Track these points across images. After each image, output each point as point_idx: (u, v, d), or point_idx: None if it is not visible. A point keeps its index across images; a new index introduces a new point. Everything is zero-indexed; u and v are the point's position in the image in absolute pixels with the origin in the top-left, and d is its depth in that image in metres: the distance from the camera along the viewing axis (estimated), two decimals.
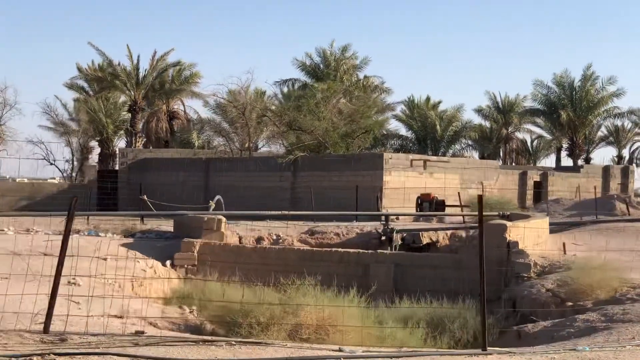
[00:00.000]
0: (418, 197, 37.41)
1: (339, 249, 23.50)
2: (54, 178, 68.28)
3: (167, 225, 31.25)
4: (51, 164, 64.99)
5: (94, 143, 74.81)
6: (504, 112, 74.55)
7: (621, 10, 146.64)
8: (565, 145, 68.29)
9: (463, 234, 32.54)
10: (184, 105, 70.95)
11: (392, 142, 65.90)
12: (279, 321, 12.81)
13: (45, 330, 10.41)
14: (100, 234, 26.83)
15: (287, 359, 9.20)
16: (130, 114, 61.68)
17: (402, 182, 43.12)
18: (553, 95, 63.89)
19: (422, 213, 35.07)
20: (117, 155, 59.07)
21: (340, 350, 9.89)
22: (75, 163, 63.59)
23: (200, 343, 10.02)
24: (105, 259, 20.66)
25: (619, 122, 73.07)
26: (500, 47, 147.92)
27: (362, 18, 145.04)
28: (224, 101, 59.20)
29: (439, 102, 74.16)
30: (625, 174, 56.26)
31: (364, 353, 9.68)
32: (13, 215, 31.21)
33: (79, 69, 68.71)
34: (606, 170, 55.48)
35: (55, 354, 8.93)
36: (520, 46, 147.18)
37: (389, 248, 28.74)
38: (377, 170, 42.98)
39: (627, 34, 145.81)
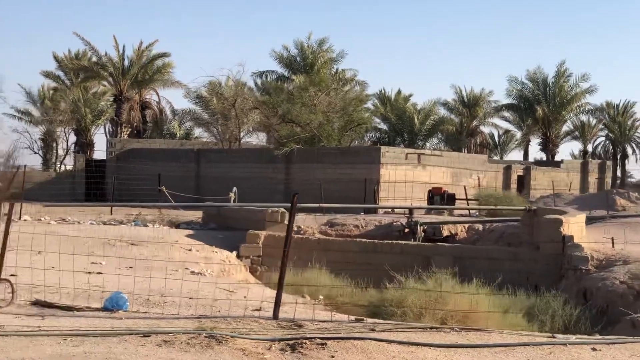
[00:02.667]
0: (429, 191, 38.46)
1: (400, 242, 24.35)
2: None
3: (191, 216, 31.87)
4: (35, 152, 64.77)
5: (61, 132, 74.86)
6: (469, 106, 75.91)
7: (593, 6, 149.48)
8: (538, 140, 69.96)
9: (480, 227, 33.66)
10: (158, 96, 71.06)
11: (370, 134, 66.85)
12: (432, 308, 13.65)
13: (275, 316, 11.16)
14: (147, 224, 27.32)
15: (516, 344, 10.05)
16: (114, 104, 61.61)
17: (397, 175, 44.11)
18: (527, 91, 65.41)
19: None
20: (106, 145, 59.17)
21: (553, 337, 10.79)
22: (59, 152, 63.40)
23: (429, 329, 10.85)
24: (190, 250, 21.32)
25: (584, 118, 75.05)
26: (469, 41, 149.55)
27: (337, 10, 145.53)
28: (207, 94, 59.65)
29: (410, 95, 75.39)
30: (602, 169, 58.08)
31: (577, 340, 10.59)
32: (74, 206, 31.30)
33: (56, 58, 68.53)
34: (584, 165, 57.20)
35: (322, 338, 9.70)
36: (490, 41, 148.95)
37: (412, 240, 29.68)
38: (373, 164, 43.85)
39: (596, 30, 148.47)
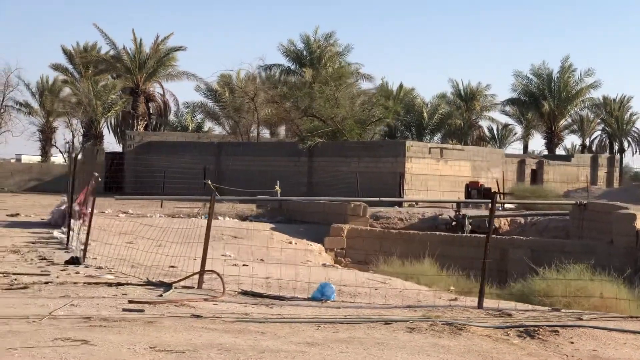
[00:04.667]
0: (467, 185, 39.39)
1: (479, 235, 25.25)
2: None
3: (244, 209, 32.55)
4: (52, 145, 65.03)
5: (57, 123, 75.10)
6: (466, 99, 76.98)
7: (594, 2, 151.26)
8: (538, 134, 71.21)
9: (522, 220, 34.67)
10: (162, 88, 71.51)
11: (379, 128, 67.62)
12: (581, 295, 14.57)
13: (480, 306, 12.05)
14: (219, 217, 28.03)
15: None
16: (128, 97, 62.09)
17: (421, 169, 45.08)
18: (533, 86, 66.56)
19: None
20: (124, 138, 59.69)
21: None
22: (76, 144, 63.71)
23: (629, 318, 11.79)
24: (290, 242, 22.14)
25: (583, 113, 76.35)
26: (470, 36, 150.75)
27: (333, 4, 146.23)
28: (219, 87, 60.32)
29: (412, 89, 76.30)
30: (612, 163, 59.37)
31: None
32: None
33: (64, 51, 68.82)
34: (595, 159, 58.43)
35: (550, 326, 10.59)
36: (491, 35, 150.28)
37: (460, 233, 30.63)
38: (398, 157, 44.74)
39: (599, 25, 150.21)
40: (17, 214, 27.32)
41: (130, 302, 11.56)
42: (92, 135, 65.95)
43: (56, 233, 19.97)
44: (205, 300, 12.00)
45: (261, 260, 17.75)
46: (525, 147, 75.28)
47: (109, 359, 8.40)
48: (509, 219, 34.70)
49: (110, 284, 13.12)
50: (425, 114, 65.71)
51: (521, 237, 25.09)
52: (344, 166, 45.16)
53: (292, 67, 65.79)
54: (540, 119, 68.56)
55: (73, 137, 62.14)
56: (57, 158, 77.59)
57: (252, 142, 52.33)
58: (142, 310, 10.99)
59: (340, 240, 24.36)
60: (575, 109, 69.31)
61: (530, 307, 12.49)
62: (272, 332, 10.04)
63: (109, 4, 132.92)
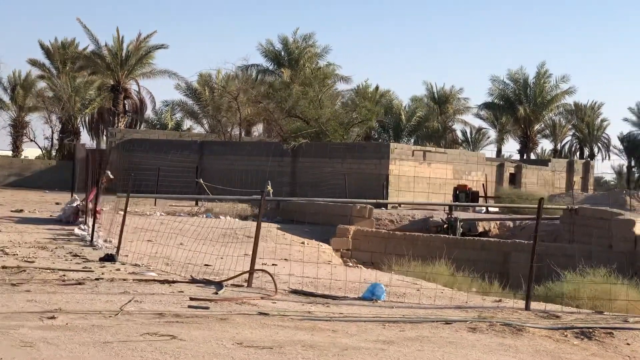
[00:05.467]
0: (455, 188, 39.97)
1: (482, 238, 25.77)
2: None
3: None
4: (31, 140, 64.80)
5: (28, 118, 74.74)
6: (439, 102, 77.76)
7: (571, 9, 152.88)
8: (512, 138, 72.15)
9: (511, 224, 35.30)
10: (138, 86, 71.47)
11: (361, 130, 68.06)
12: (606, 299, 15.11)
13: (527, 307, 12.51)
14: (220, 216, 28.32)
15: None
16: (105, 93, 62.04)
17: (404, 171, 45.64)
18: (509, 91, 67.44)
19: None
20: (98, 135, 59.74)
21: None
22: (55, 140, 63.54)
23: None
24: (303, 243, 22.51)
25: (556, 118, 77.41)
26: (444, 39, 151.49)
27: (321, 6, 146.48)
28: (199, 85, 60.51)
29: (387, 91, 76.91)
30: (587, 168, 60.33)
31: None
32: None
33: (42, 46, 68.59)
34: (570, 165, 59.35)
35: (604, 328, 11.09)
36: (468, 40, 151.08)
37: (451, 235, 31.18)
38: (382, 159, 45.24)
39: (572, 31, 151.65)
40: (21, 210, 27.40)
41: (191, 299, 11.86)
42: (69, 131, 65.79)
43: (77, 230, 20.14)
44: (262, 298, 12.33)
45: (285, 259, 18.08)
46: (499, 151, 76.21)
47: (204, 353, 8.71)
48: (498, 222, 35.24)
49: (161, 282, 13.39)
50: (403, 117, 66.25)
51: (523, 241, 25.57)
52: (327, 167, 45.55)
53: (270, 68, 66.06)
54: (515, 124, 69.39)
55: (52, 133, 61.87)
56: (29, 152, 77.15)
57: (235, 141, 52.56)
58: (207, 308, 11.31)
59: (347, 241, 24.77)
60: (550, 114, 70.24)
61: (575, 309, 12.97)
62: (342, 330, 10.39)
63: (89, 2, 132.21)
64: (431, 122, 68.97)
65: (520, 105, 65.15)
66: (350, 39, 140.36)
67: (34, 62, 68.17)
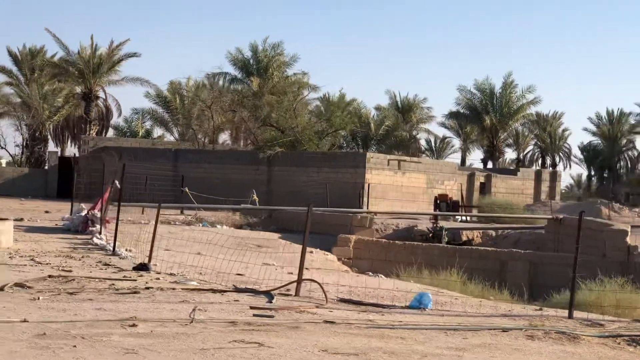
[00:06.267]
0: (436, 198, 40.61)
1: (479, 247, 26.39)
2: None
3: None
4: (2, 147, 64.42)
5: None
6: (402, 111, 78.56)
7: (536, 20, 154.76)
8: (478, 148, 73.16)
9: (493, 232, 36.01)
10: (105, 93, 71.34)
11: (333, 139, 68.57)
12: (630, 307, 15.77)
13: (570, 316, 13.08)
14: (217, 225, 28.65)
15: None
16: (75, 101, 61.93)
17: (380, 180, 46.29)
18: (476, 100, 68.42)
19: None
20: (62, 142, 59.45)
21: None
22: (26, 148, 63.23)
23: None
24: (311, 252, 22.94)
25: (519, 127, 78.62)
26: (409, 49, 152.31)
27: (288, 16, 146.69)
28: (169, 94, 60.71)
29: (353, 100, 77.49)
30: (554, 178, 61.49)
31: None
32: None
33: (10, 53, 68.30)
34: (538, 174, 60.46)
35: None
36: (433, 50, 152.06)
37: (436, 243, 31.76)
38: (358, 169, 45.85)
39: (535, 42, 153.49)
40: (21, 219, 27.48)
41: (251, 307, 12.25)
42: (39, 139, 65.54)
43: (96, 240, 20.38)
44: (317, 307, 12.75)
45: (306, 269, 18.46)
46: (463, 160, 77.20)
47: None
48: (480, 231, 35.89)
49: (212, 291, 13.75)
50: (372, 125, 66.90)
51: (520, 250, 26.23)
52: (303, 176, 46.03)
53: (239, 76, 66.34)
54: (481, 133, 70.41)
55: (23, 140, 61.59)
56: None
57: (210, 149, 52.80)
58: (272, 316, 11.71)
59: (348, 250, 25.24)
60: (516, 124, 71.40)
61: (615, 318, 13.55)
62: (410, 337, 10.86)
63: (59, 9, 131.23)
64: (399, 132, 69.60)
65: (486, 115, 66.11)
66: (314, 47, 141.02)
67: (1, 69, 67.75)
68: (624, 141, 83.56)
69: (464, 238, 34.76)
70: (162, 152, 51.73)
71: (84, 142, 54.32)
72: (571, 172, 69.05)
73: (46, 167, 57.98)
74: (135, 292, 13.12)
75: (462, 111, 69.58)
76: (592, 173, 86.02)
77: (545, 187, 59.94)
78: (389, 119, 68.35)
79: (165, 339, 9.74)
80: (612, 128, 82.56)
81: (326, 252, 23.64)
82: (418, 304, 13.12)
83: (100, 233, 21.09)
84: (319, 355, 9.43)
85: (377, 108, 78.40)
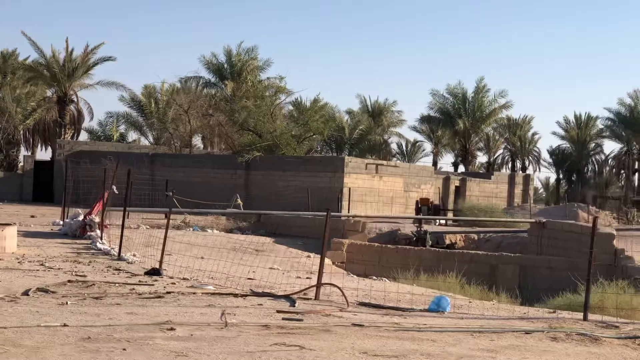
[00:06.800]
0: (417, 202, 41.03)
1: (470, 251, 26.82)
2: None
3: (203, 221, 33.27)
4: None
5: None
6: (373, 115, 79.11)
7: (507, 26, 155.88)
8: (450, 151, 73.82)
9: (475, 236, 36.51)
10: (76, 97, 71.14)
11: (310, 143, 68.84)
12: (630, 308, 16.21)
13: (585, 318, 13.46)
14: (207, 229, 28.84)
15: None
16: (48, 104, 61.75)
17: (358, 184, 46.67)
18: (449, 105, 69.07)
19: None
20: (33, 146, 59.17)
21: None
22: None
23: None
24: (309, 256, 23.23)
25: (489, 131, 79.43)
26: (381, 54, 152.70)
27: (261, 20, 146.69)
28: (143, 97, 60.69)
29: (325, 104, 77.81)
30: (527, 181, 62.26)
31: None
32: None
33: None
34: (512, 178, 61.19)
35: None
36: (404, 54, 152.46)
37: (421, 247, 32.15)
38: (337, 173, 46.20)
39: (508, 46, 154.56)
40: (14, 224, 27.40)
41: (277, 311, 12.51)
42: (12, 142, 65.21)
43: (99, 245, 20.51)
44: (341, 310, 13.04)
45: (311, 273, 18.76)
46: (434, 164, 77.76)
47: None
48: (463, 235, 36.35)
49: (235, 295, 13.99)
50: (346, 130, 67.31)
51: (510, 254, 26.67)
52: (281, 180, 46.30)
53: (213, 80, 66.45)
54: (453, 137, 71.06)
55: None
56: None
57: (186, 154, 52.89)
58: (301, 320, 11.98)
59: (341, 254, 25.53)
60: (489, 128, 72.17)
61: (628, 320, 13.95)
62: (440, 340, 11.17)
63: (32, 12, 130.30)
64: (373, 136, 70.08)
65: (459, 119, 66.75)
66: (285, 52, 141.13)
67: None
68: (592, 145, 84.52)
69: (448, 242, 35.20)
70: (139, 156, 51.64)
71: (60, 146, 54.14)
72: (539, 176, 69.93)
73: (19, 171, 57.61)
74: (159, 297, 13.32)
75: (434, 115, 70.14)
76: (561, 176, 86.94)
77: (518, 190, 60.68)
78: (362, 123, 68.68)
79: (208, 343, 9.96)
80: (580, 132, 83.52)
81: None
82: (437, 307, 13.42)
83: (101, 238, 21.17)
84: (361, 357, 9.70)
85: (349, 112, 78.88)
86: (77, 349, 9.34)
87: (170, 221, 31.47)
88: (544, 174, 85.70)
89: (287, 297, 13.87)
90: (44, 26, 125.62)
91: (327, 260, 22.20)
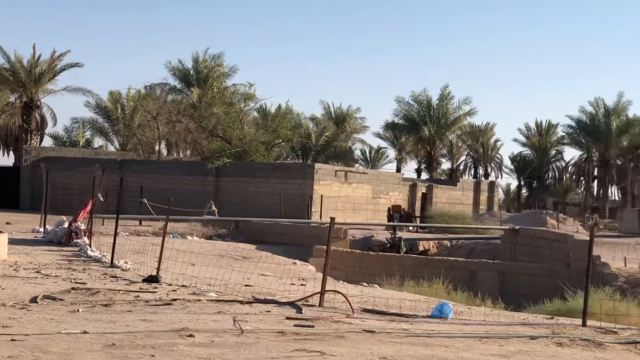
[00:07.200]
0: (389, 209, 41.42)
1: (450, 258, 27.23)
2: None
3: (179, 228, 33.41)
4: None
5: None
6: (337, 122, 79.55)
7: (469, 33, 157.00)
8: (422, 159, 74.39)
9: (447, 243, 37.01)
10: (40, 102, 70.69)
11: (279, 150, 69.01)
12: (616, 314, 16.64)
13: (584, 324, 13.86)
14: (187, 236, 28.97)
15: None
16: (11, 109, 61.42)
17: (328, 191, 47.00)
18: (414, 112, 69.65)
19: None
20: (19, 152, 58.60)
21: None
22: None
23: None
24: (295, 263, 23.48)
25: (453, 138, 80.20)
26: (343, 60, 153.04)
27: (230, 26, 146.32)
28: (110, 103, 60.59)
29: (291, 111, 78.17)
30: (492, 188, 62.98)
31: None
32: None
33: None
34: (477, 184, 61.87)
35: None
36: (369, 61, 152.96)
37: (395, 253, 32.58)
38: (307, 179, 46.47)
39: (471, 53, 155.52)
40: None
41: (287, 318, 12.75)
42: None
43: (90, 252, 20.61)
44: (348, 317, 13.31)
45: (303, 279, 19.02)
46: (398, 170, 78.35)
47: None
48: (436, 242, 36.81)
49: (241, 302, 14.21)
50: (313, 136, 67.63)
51: (489, 261, 27.11)
52: (251, 187, 46.46)
53: (179, 86, 66.51)
54: (418, 144, 71.65)
55: None
56: None
57: (155, 160, 52.85)
58: (312, 326, 12.23)
59: (323, 260, 25.66)
60: (453, 135, 72.87)
61: (624, 326, 14.33)
62: (452, 345, 11.47)
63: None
64: (338, 142, 70.49)
65: (424, 126, 67.32)
66: (250, 58, 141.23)
67: None
68: (553, 152, 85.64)
69: (421, 248, 35.59)
70: (107, 162, 51.39)
71: (26, 152, 53.78)
72: (500, 182, 70.99)
73: None
74: (168, 304, 13.50)
75: (399, 122, 70.63)
76: (522, 183, 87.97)
77: (484, 197, 61.34)
78: (328, 129, 69.07)
79: (231, 349, 10.17)
80: (541, 139, 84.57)
81: (306, 263, 24.13)
82: (439, 314, 13.72)
83: (90, 245, 21.25)
84: None
85: (312, 118, 79.18)
86: (106, 355, 9.50)
87: (149, 228, 31.75)
88: (505, 180, 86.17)
89: (292, 304, 14.10)
90: (9, 32, 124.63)
91: (311, 267, 22.54)
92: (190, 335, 10.88)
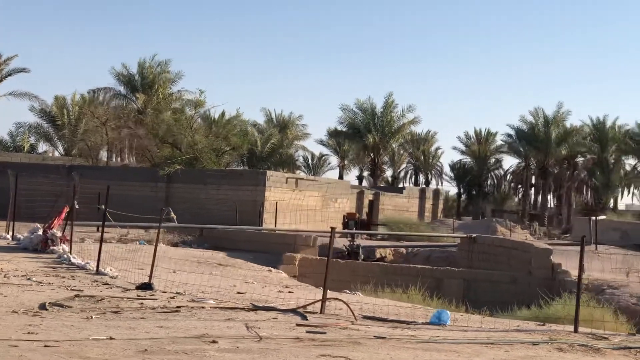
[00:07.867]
0: (344, 216, 41.93)
1: (417, 265, 27.86)
2: None
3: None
4: None
5: None
6: (279, 129, 79.96)
7: (415, 40, 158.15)
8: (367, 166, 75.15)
9: (404, 250, 37.68)
10: None
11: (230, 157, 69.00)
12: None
13: (576, 330, 14.51)
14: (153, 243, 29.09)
15: None
16: None
17: (279, 198, 47.42)
18: (359, 120, 70.29)
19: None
20: None
21: None
22: None
23: None
24: (270, 270, 23.86)
25: (395, 146, 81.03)
26: (286, 68, 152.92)
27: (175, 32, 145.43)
28: (55, 108, 60.22)
29: (234, 117, 78.22)
30: (436, 196, 63.97)
31: None
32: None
33: None
34: (422, 192, 62.78)
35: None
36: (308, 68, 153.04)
37: (354, 260, 33.17)
38: (258, 186, 46.82)
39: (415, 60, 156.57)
40: None
41: (297, 325, 13.17)
42: None
43: (73, 259, 20.73)
44: (353, 323, 13.76)
45: (286, 287, 19.42)
46: (341, 177, 79.03)
47: None
48: (393, 249, 37.42)
49: (246, 310, 14.57)
50: (259, 143, 67.89)
51: (454, 268, 27.76)
52: (202, 194, 46.63)
53: (123, 91, 66.31)
54: (361, 151, 72.36)
55: None
56: None
57: (104, 166, 52.68)
58: (324, 332, 12.66)
59: (294, 268, 26.22)
60: (396, 143, 73.71)
61: (613, 332, 15.02)
62: (461, 351, 11.99)
63: None
64: (284, 149, 70.87)
65: (369, 134, 68.02)
66: (193, 65, 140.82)
67: None
68: (492, 160, 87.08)
69: (378, 255, 36.15)
70: (54, 168, 51.12)
71: None
72: (441, 189, 72.17)
73: None
74: (175, 311, 13.81)
75: (344, 130, 71.22)
76: (462, 191, 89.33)
77: (429, 204, 62.25)
78: (274, 136, 69.41)
79: (258, 354, 10.54)
80: (480, 147, 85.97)
81: (280, 271, 24.52)
82: (438, 321, 14.24)
83: (70, 252, 21.38)
84: None
85: (254, 125, 79.33)
86: None
87: (111, 235, 31.79)
88: (445, 188, 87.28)
89: (294, 311, 14.50)
90: None
91: (284, 274, 22.97)
92: (214, 342, 11.20)
